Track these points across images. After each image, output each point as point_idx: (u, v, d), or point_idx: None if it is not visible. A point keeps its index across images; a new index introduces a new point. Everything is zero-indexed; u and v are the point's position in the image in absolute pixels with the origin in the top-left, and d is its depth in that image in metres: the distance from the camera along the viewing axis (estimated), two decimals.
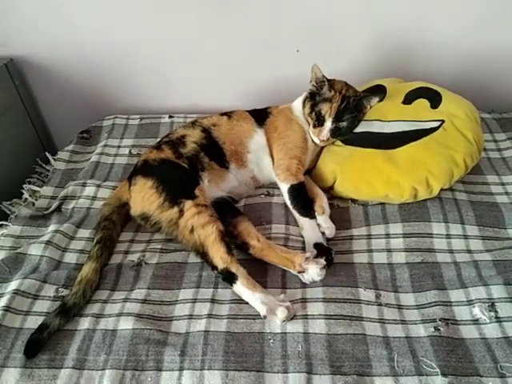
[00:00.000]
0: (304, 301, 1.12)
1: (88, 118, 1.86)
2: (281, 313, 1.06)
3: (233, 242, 1.23)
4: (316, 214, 1.31)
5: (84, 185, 1.51)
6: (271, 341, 1.04)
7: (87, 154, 1.69)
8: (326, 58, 1.69)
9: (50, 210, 1.44)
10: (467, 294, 1.11)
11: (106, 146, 1.68)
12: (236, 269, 1.14)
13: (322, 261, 1.16)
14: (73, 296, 1.13)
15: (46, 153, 1.68)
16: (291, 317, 1.07)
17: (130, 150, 1.67)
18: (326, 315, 1.07)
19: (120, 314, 1.11)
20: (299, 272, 1.16)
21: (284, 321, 1.06)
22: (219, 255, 1.15)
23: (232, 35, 1.73)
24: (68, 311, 1.10)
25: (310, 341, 1.03)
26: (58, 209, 1.45)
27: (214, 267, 1.17)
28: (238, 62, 1.79)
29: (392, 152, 1.31)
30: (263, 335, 1.05)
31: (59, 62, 1.82)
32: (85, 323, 1.10)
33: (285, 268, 1.19)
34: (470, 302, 1.09)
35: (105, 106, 1.90)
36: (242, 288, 1.12)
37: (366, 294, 1.12)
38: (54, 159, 1.66)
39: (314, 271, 1.14)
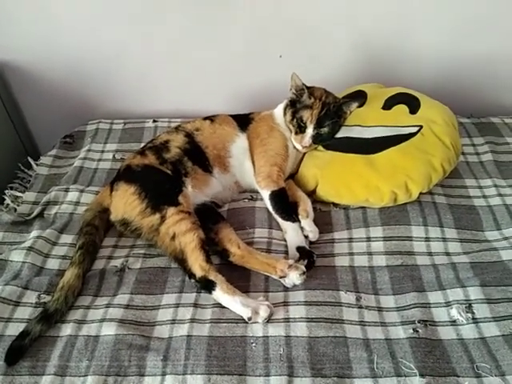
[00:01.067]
0: (286, 304, 1.13)
1: (72, 123, 1.85)
2: (263, 311, 1.08)
3: (213, 248, 1.24)
4: (300, 217, 1.33)
5: (67, 190, 1.50)
6: (253, 344, 1.05)
7: (70, 159, 1.68)
8: (308, 64, 1.75)
9: (32, 215, 1.43)
10: (445, 296, 1.13)
11: (89, 150, 1.68)
12: (214, 276, 1.15)
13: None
14: (54, 302, 1.12)
15: (29, 158, 1.67)
16: (271, 315, 1.09)
17: (113, 155, 1.66)
18: (308, 318, 1.09)
19: (103, 320, 1.11)
20: (280, 277, 1.17)
21: (266, 319, 1.08)
22: (198, 263, 1.16)
23: (217, 40, 1.75)
24: (50, 317, 1.10)
25: (292, 344, 1.04)
26: (41, 214, 1.44)
27: (191, 275, 1.17)
28: (223, 66, 1.80)
29: (372, 157, 1.34)
30: (245, 339, 1.06)
31: (42, 66, 1.81)
32: (67, 329, 1.09)
33: (266, 274, 1.20)
34: (447, 304, 1.12)
35: (89, 110, 1.89)
36: (221, 293, 1.12)
37: (347, 297, 1.14)
38: (37, 164, 1.65)
39: (294, 276, 1.15)
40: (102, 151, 1.68)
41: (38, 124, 1.95)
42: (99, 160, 1.64)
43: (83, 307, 1.15)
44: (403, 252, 1.25)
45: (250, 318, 1.08)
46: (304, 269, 1.17)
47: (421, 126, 1.35)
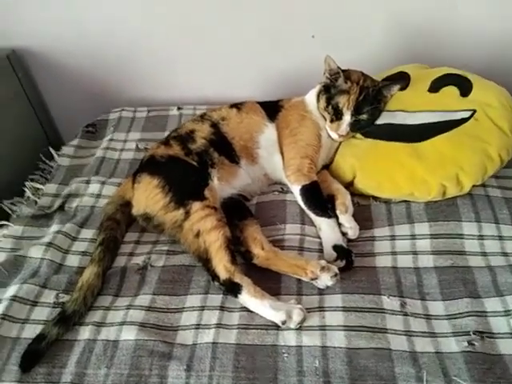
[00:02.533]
0: (322, 310, 1.03)
1: (95, 111, 1.77)
2: (297, 315, 0.98)
3: (237, 248, 1.15)
4: (338, 212, 1.21)
5: (88, 182, 1.44)
6: (285, 355, 0.95)
7: (92, 149, 1.61)
8: (341, 45, 1.60)
9: (53, 208, 1.37)
10: (504, 303, 1.00)
11: (111, 140, 1.60)
12: (240, 278, 1.05)
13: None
14: (73, 303, 1.05)
15: (50, 148, 1.61)
16: (304, 321, 0.99)
17: (136, 145, 1.58)
18: (346, 326, 0.98)
19: (123, 323, 1.03)
20: (312, 279, 1.07)
21: (299, 325, 0.98)
22: (222, 264, 1.07)
23: (244, 21, 1.63)
24: (68, 320, 1.03)
25: (329, 356, 0.93)
26: (61, 207, 1.38)
27: (215, 277, 1.08)
28: (250, 49, 1.68)
29: (417, 145, 1.20)
30: (277, 348, 0.96)
31: (64, 53, 1.74)
32: (85, 333, 1.02)
33: (295, 276, 1.10)
34: (507, 313, 0.98)
35: (111, 97, 1.82)
36: (249, 297, 1.03)
37: (390, 303, 1.02)
38: (58, 155, 1.59)
39: (326, 278, 1.05)
40: (125, 141, 1.60)
41: (61, 113, 1.89)
42: (122, 150, 1.57)
43: (103, 308, 1.08)
44: (453, 251, 1.11)
45: (284, 322, 0.98)
46: (336, 270, 1.06)
47: (474, 111, 1.20)
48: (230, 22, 1.63)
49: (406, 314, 1.00)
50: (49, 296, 1.11)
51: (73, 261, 1.21)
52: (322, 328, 0.98)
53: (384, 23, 1.59)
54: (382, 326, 0.97)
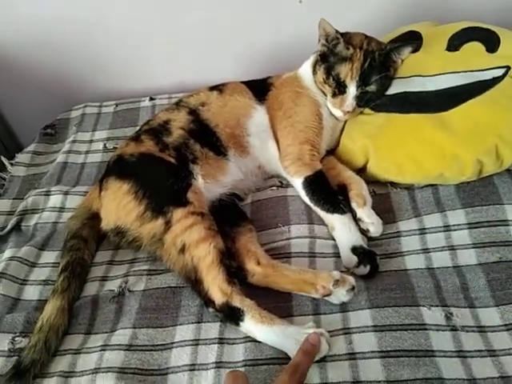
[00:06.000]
0: (347, 332, 0.81)
1: (55, 110, 1.53)
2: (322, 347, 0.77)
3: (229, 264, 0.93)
4: (354, 205, 0.99)
5: (48, 193, 1.20)
6: None
7: (52, 154, 1.37)
8: (335, 9, 1.38)
9: (7, 229, 1.14)
10: None
11: (74, 141, 1.36)
12: (240, 301, 0.84)
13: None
14: (31, 350, 0.84)
15: (1, 157, 1.36)
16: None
17: (104, 144, 1.35)
18: (382, 352, 0.77)
19: (97, 370, 0.82)
20: (324, 296, 0.85)
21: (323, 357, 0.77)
22: (217, 284, 0.86)
23: None
24: (25, 373, 0.82)
25: None
26: (17, 227, 1.15)
27: (209, 302, 0.87)
28: (229, 23, 1.45)
29: (443, 115, 0.98)
30: None
31: (11, 46, 1.50)
32: None
33: (302, 294, 0.88)
34: None
35: (73, 93, 1.58)
36: (254, 324, 0.82)
37: (432, 315, 0.81)
38: (11, 164, 1.34)
39: (340, 293, 0.85)
40: (91, 141, 1.37)
41: (16, 114, 1.65)
42: (87, 152, 1.33)
43: (71, 352, 0.87)
44: (499, 243, 0.90)
45: None
46: (354, 283, 0.85)
47: (508, 67, 0.99)
48: None
49: (454, 329, 0.79)
50: (2, 342, 0.89)
51: (32, 293, 0.99)
52: (352, 356, 0.77)
53: None
54: (427, 347, 0.76)
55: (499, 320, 0.80)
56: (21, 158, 1.36)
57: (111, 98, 1.53)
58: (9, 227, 1.14)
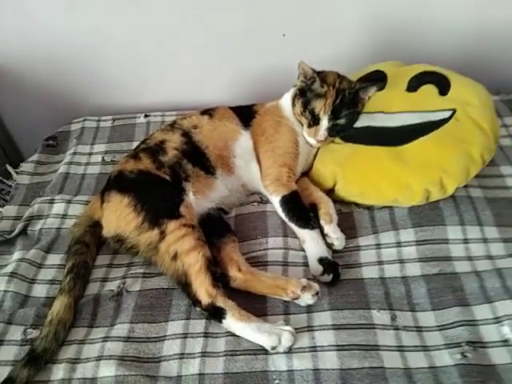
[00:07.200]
0: (311, 329, 0.98)
1: (55, 122, 1.65)
2: (286, 340, 0.93)
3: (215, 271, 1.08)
4: (322, 222, 1.16)
5: (52, 201, 1.33)
6: (276, 381, 0.90)
7: (54, 165, 1.50)
8: (315, 42, 1.55)
9: (14, 233, 1.26)
10: (494, 310, 0.98)
11: (75, 153, 1.49)
12: (223, 302, 0.99)
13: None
14: (43, 340, 0.97)
15: (7, 166, 1.48)
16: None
17: (102, 157, 1.48)
18: (338, 346, 0.94)
19: (100, 358, 0.96)
20: (293, 299, 1.02)
21: (288, 349, 0.93)
22: (204, 287, 1.01)
23: (212, 23, 1.55)
24: (38, 359, 0.95)
25: (322, 379, 0.89)
26: (24, 231, 1.28)
27: (196, 302, 1.02)
28: (219, 51, 1.61)
29: (400, 149, 1.16)
30: (267, 375, 0.91)
31: (18, 63, 1.62)
32: (59, 372, 0.95)
33: (275, 297, 1.05)
34: (497, 320, 0.96)
35: (73, 107, 1.70)
36: (234, 321, 0.97)
37: (381, 317, 0.99)
38: (17, 172, 1.47)
39: (306, 297, 1.01)
40: (90, 153, 1.50)
41: (19, 126, 1.76)
42: (87, 164, 1.46)
43: (77, 342, 1.01)
44: (439, 258, 1.09)
45: (274, 348, 0.93)
46: (317, 288, 1.02)
47: (454, 110, 1.17)
48: (200, 22, 1.55)
49: (397, 328, 0.97)
50: (15, 333, 1.02)
51: (40, 291, 1.12)
52: (313, 349, 0.94)
53: (357, 20, 1.56)
54: (374, 342, 0.94)
55: (434, 322, 0.98)
56: (25, 167, 1.48)
57: (108, 112, 1.66)
58: (16, 231, 1.27)
